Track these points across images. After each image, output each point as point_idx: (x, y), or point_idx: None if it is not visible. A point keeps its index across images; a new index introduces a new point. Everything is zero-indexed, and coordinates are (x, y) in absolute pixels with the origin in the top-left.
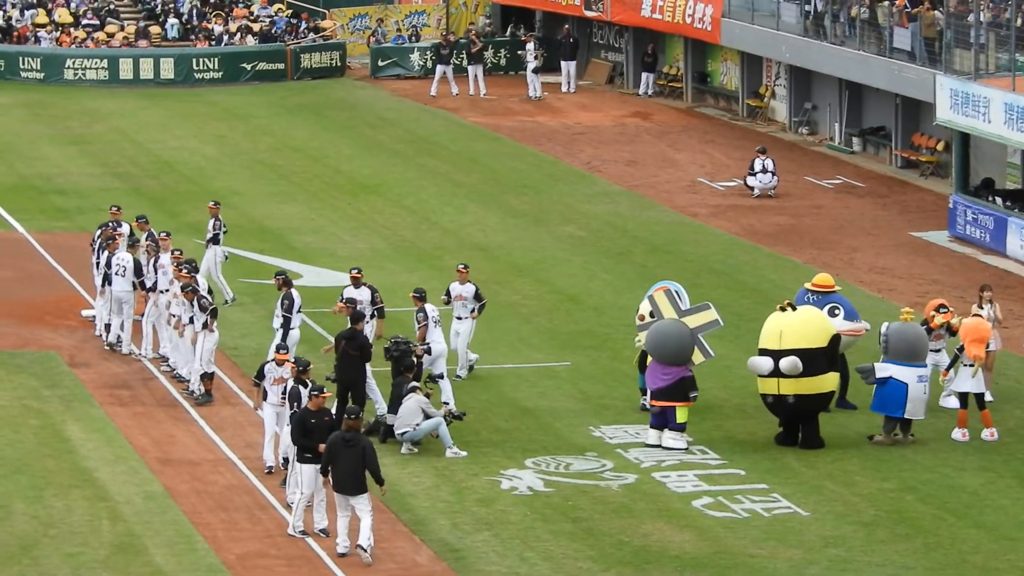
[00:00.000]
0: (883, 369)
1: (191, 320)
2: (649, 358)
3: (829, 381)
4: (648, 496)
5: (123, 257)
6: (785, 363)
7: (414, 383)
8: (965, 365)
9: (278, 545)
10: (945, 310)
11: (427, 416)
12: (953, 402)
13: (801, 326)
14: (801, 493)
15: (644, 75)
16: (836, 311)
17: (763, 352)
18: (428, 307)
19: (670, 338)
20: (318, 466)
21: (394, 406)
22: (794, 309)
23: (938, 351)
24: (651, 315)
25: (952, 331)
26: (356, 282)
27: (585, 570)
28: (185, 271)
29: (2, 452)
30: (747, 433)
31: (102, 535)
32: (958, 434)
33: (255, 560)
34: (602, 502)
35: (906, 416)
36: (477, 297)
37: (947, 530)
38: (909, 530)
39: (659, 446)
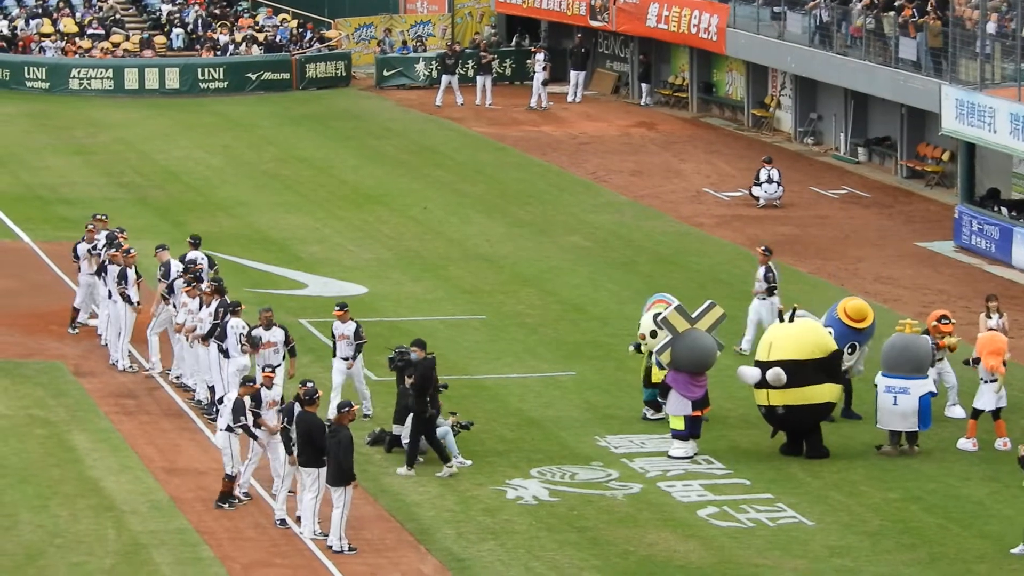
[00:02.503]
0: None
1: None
2: (658, 372)
3: (823, 393)
4: (653, 506)
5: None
6: (769, 374)
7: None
8: (985, 381)
9: (283, 554)
10: (947, 321)
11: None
12: (958, 412)
13: (792, 338)
14: (806, 503)
15: (641, 85)
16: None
17: (757, 363)
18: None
19: (700, 349)
20: (321, 469)
21: (399, 416)
22: (791, 319)
23: (941, 359)
24: (652, 335)
25: (951, 349)
26: (268, 323)
27: None
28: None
29: (8, 461)
30: (752, 443)
31: (108, 544)
32: (967, 444)
33: (260, 570)
34: (607, 511)
35: (880, 427)
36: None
37: (952, 540)
38: (914, 540)
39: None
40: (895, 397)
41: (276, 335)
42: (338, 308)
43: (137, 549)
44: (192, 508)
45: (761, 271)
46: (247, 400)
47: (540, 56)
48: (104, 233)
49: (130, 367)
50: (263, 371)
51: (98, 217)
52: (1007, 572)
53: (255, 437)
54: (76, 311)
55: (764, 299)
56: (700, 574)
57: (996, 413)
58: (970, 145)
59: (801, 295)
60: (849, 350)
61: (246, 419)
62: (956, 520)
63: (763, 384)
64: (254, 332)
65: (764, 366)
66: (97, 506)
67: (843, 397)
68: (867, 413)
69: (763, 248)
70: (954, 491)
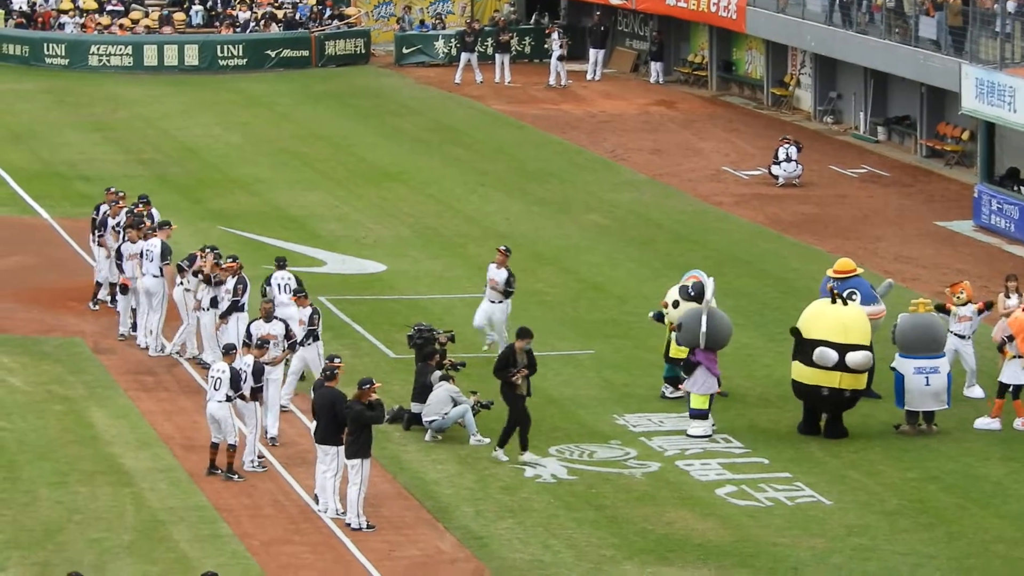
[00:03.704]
0: (896, 361)
1: (213, 304)
2: (677, 347)
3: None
4: (671, 484)
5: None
6: (860, 357)
7: (447, 371)
8: (1016, 356)
9: (301, 531)
10: (961, 293)
11: (455, 404)
12: (978, 392)
13: (862, 322)
14: (824, 482)
15: (653, 64)
16: (853, 296)
17: (826, 344)
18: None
19: (726, 327)
20: (340, 447)
21: (418, 394)
22: (844, 303)
23: (964, 337)
24: (675, 305)
25: (989, 305)
26: (268, 315)
27: (608, 558)
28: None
29: (27, 438)
30: (770, 422)
31: (126, 521)
32: (994, 423)
33: (279, 547)
34: (625, 490)
35: (908, 408)
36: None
37: (970, 520)
38: (932, 519)
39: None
40: (927, 377)
41: (276, 328)
42: (266, 302)
43: (156, 526)
44: (211, 485)
45: (503, 273)
46: (243, 370)
47: (555, 35)
48: (124, 211)
49: (158, 350)
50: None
51: (113, 191)
52: None
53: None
54: (98, 286)
55: (498, 302)
56: (718, 552)
57: (1016, 392)
58: (990, 124)
59: (820, 275)
60: (852, 297)
61: (243, 388)
62: (974, 500)
63: (839, 366)
64: (253, 325)
65: (841, 349)
66: (116, 482)
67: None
68: (886, 393)
69: (505, 248)
70: (972, 471)
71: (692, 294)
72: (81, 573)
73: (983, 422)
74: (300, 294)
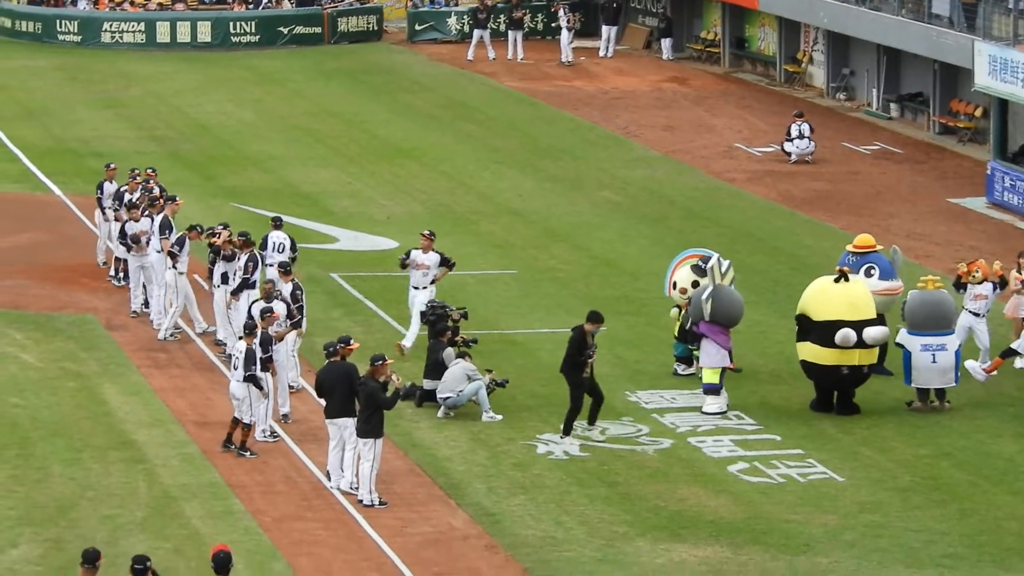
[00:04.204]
0: (902, 337)
1: (223, 280)
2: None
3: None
4: (684, 461)
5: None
6: (877, 332)
7: (460, 348)
8: None
9: (314, 508)
10: (977, 272)
11: (471, 381)
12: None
13: (866, 296)
14: (837, 459)
15: (663, 41)
16: (872, 271)
17: (839, 324)
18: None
19: (738, 302)
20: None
21: (430, 370)
22: (847, 279)
23: (979, 315)
24: (694, 285)
25: (1003, 282)
26: (268, 295)
27: (621, 534)
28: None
29: (40, 414)
30: (782, 399)
31: (139, 497)
32: (980, 374)
33: (291, 523)
34: (638, 467)
35: (914, 385)
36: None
37: (983, 496)
38: (945, 496)
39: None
40: (934, 355)
41: (278, 307)
42: (267, 282)
43: (168, 502)
44: (223, 461)
45: (432, 256)
46: (256, 348)
47: (562, 11)
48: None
49: (173, 335)
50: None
51: (113, 167)
52: None
53: (260, 387)
54: (118, 261)
55: (423, 288)
56: (730, 529)
57: (1006, 354)
58: (1003, 101)
59: (832, 251)
60: (871, 272)
61: (259, 363)
62: (987, 477)
63: (858, 344)
64: (253, 306)
65: (856, 326)
66: (128, 459)
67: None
68: (897, 369)
69: (429, 232)
70: (985, 447)
71: (704, 267)
72: (98, 550)
73: (972, 364)
74: (284, 269)
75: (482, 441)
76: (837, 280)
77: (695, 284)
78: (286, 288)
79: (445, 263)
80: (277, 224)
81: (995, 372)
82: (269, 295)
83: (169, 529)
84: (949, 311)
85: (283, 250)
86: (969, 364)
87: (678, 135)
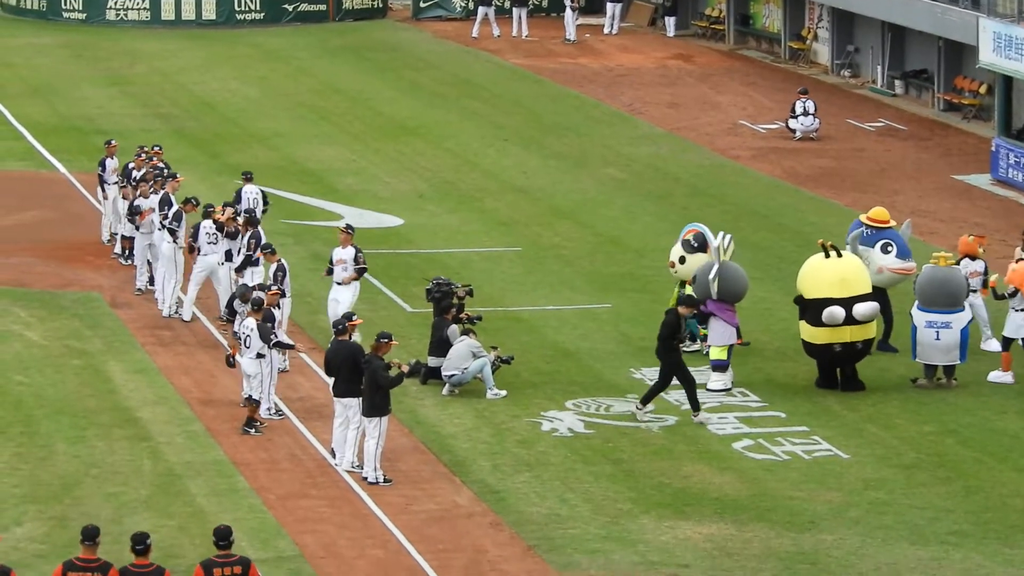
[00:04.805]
0: (913, 310)
1: (227, 257)
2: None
3: (875, 324)
4: (688, 438)
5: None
6: (867, 308)
7: (465, 326)
8: (1016, 310)
9: (318, 485)
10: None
11: (475, 358)
12: (995, 345)
13: (860, 270)
14: (842, 436)
15: (667, 19)
16: (889, 248)
17: (832, 302)
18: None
19: (743, 278)
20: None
21: (435, 347)
22: (838, 252)
23: (973, 291)
24: (681, 260)
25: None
26: (246, 299)
27: (625, 511)
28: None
29: (44, 392)
30: (787, 376)
31: (144, 475)
32: (1007, 377)
33: (295, 501)
34: (642, 444)
35: (919, 360)
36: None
37: (988, 473)
38: (949, 473)
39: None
40: (937, 332)
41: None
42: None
43: (172, 480)
44: (228, 439)
45: (350, 251)
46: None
47: None
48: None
49: (175, 313)
50: (267, 291)
51: (113, 143)
52: None
53: (291, 346)
54: (124, 238)
55: (347, 284)
56: (735, 506)
57: (1007, 344)
58: (1007, 78)
59: (837, 228)
60: (888, 249)
61: (275, 336)
62: (992, 454)
63: (848, 321)
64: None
65: (845, 303)
66: (133, 437)
67: (882, 329)
68: (903, 346)
69: (346, 226)
70: (990, 424)
71: (695, 245)
72: (98, 527)
73: (996, 375)
74: (267, 250)
75: (487, 418)
76: (827, 255)
77: (682, 260)
78: (270, 267)
79: (356, 261)
80: (248, 178)
81: (1011, 366)
82: (246, 298)
83: (173, 507)
84: (958, 289)
85: (256, 204)
86: (992, 376)
87: (683, 112)
